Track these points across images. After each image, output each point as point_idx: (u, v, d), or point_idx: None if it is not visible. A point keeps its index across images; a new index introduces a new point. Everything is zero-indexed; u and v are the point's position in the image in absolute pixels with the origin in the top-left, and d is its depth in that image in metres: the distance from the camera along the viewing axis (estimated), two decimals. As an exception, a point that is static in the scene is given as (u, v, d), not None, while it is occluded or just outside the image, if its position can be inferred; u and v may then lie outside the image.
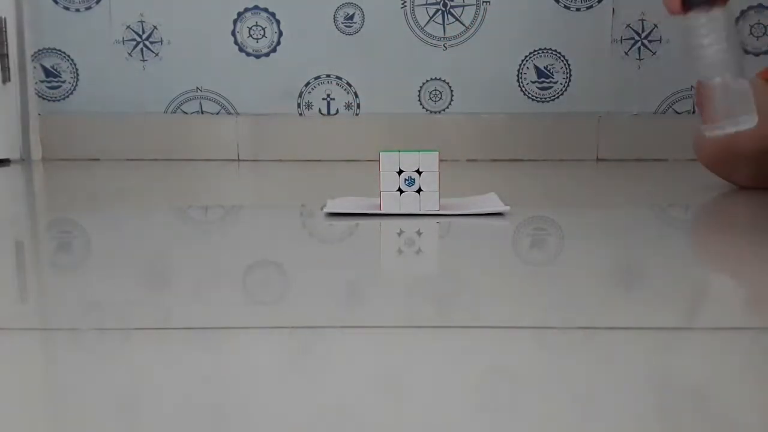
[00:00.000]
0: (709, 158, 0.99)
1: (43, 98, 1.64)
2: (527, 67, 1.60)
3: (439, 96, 1.62)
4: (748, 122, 0.77)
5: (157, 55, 1.61)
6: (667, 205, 0.92)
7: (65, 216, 0.83)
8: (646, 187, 1.03)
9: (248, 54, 1.61)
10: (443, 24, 1.59)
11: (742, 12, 1.55)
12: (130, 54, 1.62)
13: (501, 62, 1.60)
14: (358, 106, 1.63)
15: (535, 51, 1.59)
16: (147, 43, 1.61)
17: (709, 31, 0.78)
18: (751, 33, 1.56)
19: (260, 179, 1.31)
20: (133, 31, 1.61)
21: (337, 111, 1.63)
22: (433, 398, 0.29)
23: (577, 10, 1.56)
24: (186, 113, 1.63)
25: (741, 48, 0.79)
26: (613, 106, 1.58)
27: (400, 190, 0.77)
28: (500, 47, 1.59)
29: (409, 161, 0.76)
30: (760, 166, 0.94)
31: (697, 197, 0.96)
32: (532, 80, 1.60)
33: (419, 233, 0.68)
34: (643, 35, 1.57)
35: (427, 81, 1.61)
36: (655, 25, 1.56)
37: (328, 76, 1.62)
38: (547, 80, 1.60)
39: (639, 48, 1.58)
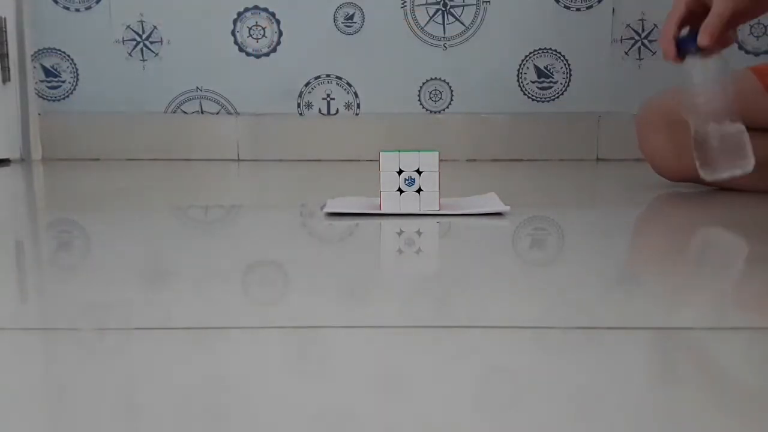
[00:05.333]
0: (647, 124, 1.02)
1: (43, 98, 1.64)
2: (527, 67, 1.60)
3: (439, 96, 1.62)
4: (746, 166, 0.80)
5: (157, 55, 1.61)
6: (666, 205, 0.92)
7: (65, 216, 0.83)
8: (646, 186, 1.03)
9: (248, 54, 1.61)
10: (443, 24, 1.59)
11: (742, 12, 1.55)
12: (130, 54, 1.62)
13: (501, 62, 1.60)
14: (358, 106, 1.63)
15: (535, 51, 1.59)
16: (147, 43, 1.61)
17: (702, 78, 0.82)
18: (751, 33, 1.56)
19: (260, 179, 1.31)
20: (133, 31, 1.61)
21: (337, 111, 1.63)
22: (433, 398, 0.29)
23: (577, 10, 1.56)
24: (186, 113, 1.63)
25: (733, 93, 0.84)
26: (613, 106, 1.58)
27: (400, 190, 0.77)
28: (500, 47, 1.59)
29: (409, 161, 0.76)
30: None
31: (698, 196, 0.96)
32: (532, 80, 1.60)
33: (419, 233, 0.68)
34: (643, 35, 1.57)
35: (427, 81, 1.61)
36: (655, 25, 1.56)
37: (328, 76, 1.62)
38: (547, 80, 1.60)
39: (639, 48, 1.58)
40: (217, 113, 1.63)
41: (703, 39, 0.79)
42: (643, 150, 1.03)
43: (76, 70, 1.63)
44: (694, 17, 0.82)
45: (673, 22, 0.82)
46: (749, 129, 0.91)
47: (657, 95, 1.05)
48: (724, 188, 0.99)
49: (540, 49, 1.59)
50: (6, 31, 1.53)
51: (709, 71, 0.82)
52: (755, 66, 1.02)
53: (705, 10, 0.80)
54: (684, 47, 0.82)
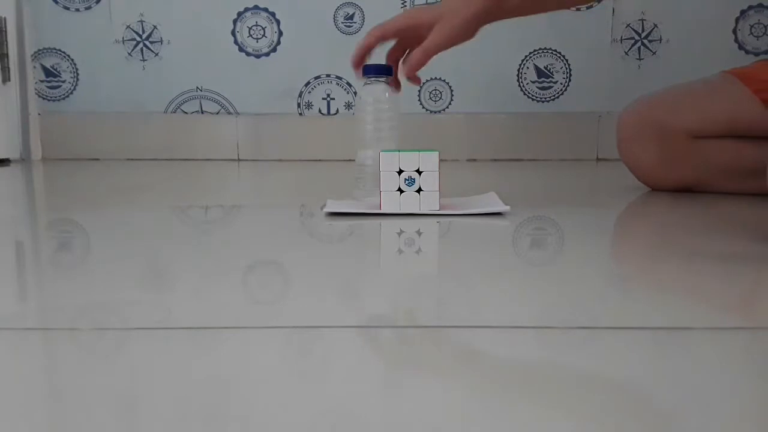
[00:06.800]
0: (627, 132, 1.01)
1: (43, 98, 1.64)
2: (527, 67, 1.60)
3: (439, 96, 1.62)
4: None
5: (157, 54, 1.61)
6: (666, 205, 0.92)
7: (65, 216, 0.83)
8: (646, 187, 1.03)
9: (248, 54, 1.61)
10: (443, 24, 1.59)
11: (742, 12, 1.55)
12: (130, 54, 1.62)
13: (501, 62, 1.60)
14: (358, 106, 1.63)
15: (535, 51, 1.59)
16: (147, 42, 1.61)
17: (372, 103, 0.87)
18: (751, 33, 1.56)
19: (260, 179, 1.31)
20: (133, 30, 1.61)
21: (337, 111, 1.63)
22: (433, 398, 0.29)
23: (577, 9, 1.56)
24: (186, 113, 1.63)
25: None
26: (613, 106, 1.58)
27: (400, 190, 0.77)
28: (500, 47, 1.59)
29: (409, 161, 0.76)
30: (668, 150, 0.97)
31: (697, 197, 0.96)
32: (532, 80, 1.60)
33: (419, 233, 0.68)
34: (643, 35, 1.57)
35: (427, 81, 1.61)
36: (655, 25, 1.56)
37: (328, 76, 1.62)
38: (547, 80, 1.60)
39: (639, 48, 1.58)
40: (217, 113, 1.63)
41: (406, 71, 0.84)
42: (628, 161, 1.02)
43: (76, 70, 1.63)
44: (403, 39, 0.84)
45: (372, 39, 0.83)
46: (740, 137, 0.89)
47: (637, 103, 1.03)
48: (721, 192, 0.98)
49: (540, 49, 1.59)
50: (6, 31, 1.53)
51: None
52: (734, 70, 0.99)
53: (415, 35, 0.82)
54: (368, 73, 0.87)
